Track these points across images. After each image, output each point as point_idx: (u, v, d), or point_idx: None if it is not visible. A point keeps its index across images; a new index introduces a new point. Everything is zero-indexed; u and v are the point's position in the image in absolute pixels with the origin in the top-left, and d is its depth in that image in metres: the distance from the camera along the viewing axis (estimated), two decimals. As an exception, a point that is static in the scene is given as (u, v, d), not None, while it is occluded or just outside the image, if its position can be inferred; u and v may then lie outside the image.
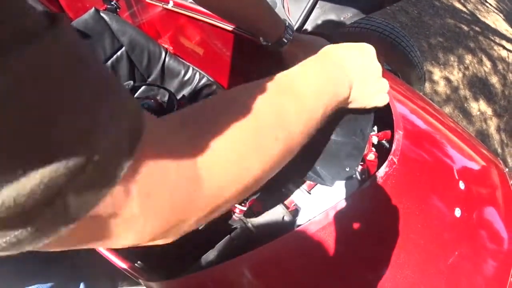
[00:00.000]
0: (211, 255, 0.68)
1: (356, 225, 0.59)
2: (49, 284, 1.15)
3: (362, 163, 0.71)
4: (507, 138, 2.54)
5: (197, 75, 1.17)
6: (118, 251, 0.80)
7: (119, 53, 1.09)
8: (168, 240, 0.36)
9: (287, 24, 0.85)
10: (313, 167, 0.61)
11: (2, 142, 0.19)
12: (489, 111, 2.63)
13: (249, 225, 0.64)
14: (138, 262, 0.79)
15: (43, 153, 0.21)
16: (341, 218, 0.57)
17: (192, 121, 0.37)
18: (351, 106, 0.59)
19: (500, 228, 0.79)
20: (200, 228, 0.82)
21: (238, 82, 1.24)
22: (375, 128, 0.78)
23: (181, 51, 1.41)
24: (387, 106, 0.73)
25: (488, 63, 2.90)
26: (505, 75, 2.89)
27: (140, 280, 0.72)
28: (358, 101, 0.60)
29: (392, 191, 0.63)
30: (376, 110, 0.72)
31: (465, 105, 2.58)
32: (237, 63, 1.25)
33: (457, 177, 0.76)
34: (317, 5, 1.25)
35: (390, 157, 0.63)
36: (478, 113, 2.57)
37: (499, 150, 2.47)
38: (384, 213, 0.62)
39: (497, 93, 2.75)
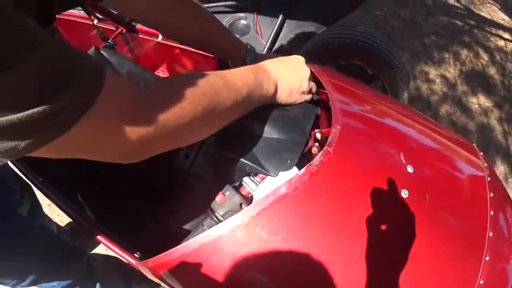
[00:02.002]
0: (189, 238, 0.83)
1: (291, 208, 0.71)
2: (68, 281, 1.29)
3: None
4: (509, 128, 2.58)
5: None
6: (120, 243, 0.94)
7: (118, 84, 1.25)
8: (136, 158, 0.59)
9: (248, 47, 1.02)
10: (258, 161, 0.76)
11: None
12: (488, 103, 2.67)
13: (216, 213, 0.79)
14: (137, 252, 0.94)
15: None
16: (279, 202, 0.71)
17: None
18: (282, 101, 0.84)
19: (454, 209, 0.84)
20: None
21: None
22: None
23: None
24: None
25: (485, 56, 2.94)
26: (503, 65, 2.92)
27: (136, 264, 0.86)
28: (286, 98, 0.84)
29: (327, 177, 0.73)
30: (318, 111, 0.88)
31: (464, 100, 2.63)
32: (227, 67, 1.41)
33: (404, 161, 0.84)
34: (285, 24, 1.42)
35: (325, 147, 0.76)
36: (477, 106, 2.61)
37: (502, 141, 2.50)
38: (318, 197, 0.72)
39: (496, 84, 2.78)
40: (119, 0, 0.85)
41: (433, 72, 2.70)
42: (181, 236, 0.91)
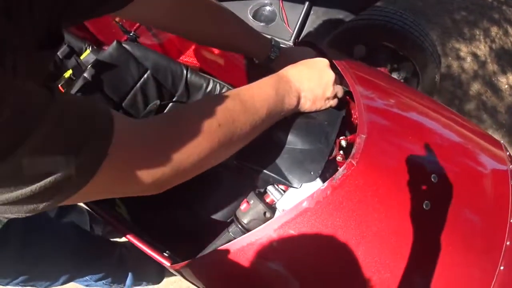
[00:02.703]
0: (214, 244, 0.86)
1: (312, 223, 0.73)
2: (100, 274, 1.32)
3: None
4: (539, 109, 2.49)
5: (218, 86, 1.30)
6: (150, 244, 0.97)
7: (145, 76, 1.25)
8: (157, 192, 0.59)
9: (273, 42, 0.99)
10: (281, 173, 0.77)
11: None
12: (518, 83, 2.57)
13: (240, 221, 0.81)
14: (167, 251, 0.97)
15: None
16: (301, 216, 0.72)
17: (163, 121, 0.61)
18: (306, 109, 0.82)
19: (474, 219, 0.84)
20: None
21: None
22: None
23: (205, 63, 1.56)
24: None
25: (514, 33, 2.81)
26: (532, 44, 2.77)
27: (167, 266, 0.90)
28: (310, 106, 0.81)
29: (350, 191, 0.73)
30: (344, 117, 0.87)
31: (493, 79, 2.54)
32: (251, 69, 1.41)
33: (428, 170, 0.83)
34: (312, 11, 1.39)
35: (348, 160, 0.75)
36: (507, 86, 2.53)
37: (533, 123, 2.43)
38: (340, 211, 0.73)
39: (524, 64, 2.66)
40: (129, 11, 0.80)
41: (464, 49, 2.61)
42: (210, 226, 0.94)
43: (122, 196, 0.58)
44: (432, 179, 0.82)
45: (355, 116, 0.94)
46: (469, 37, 2.68)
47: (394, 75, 1.88)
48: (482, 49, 2.65)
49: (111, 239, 1.67)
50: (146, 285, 1.66)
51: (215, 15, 0.91)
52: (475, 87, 2.48)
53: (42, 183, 0.41)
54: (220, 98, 0.65)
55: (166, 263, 0.88)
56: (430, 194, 0.80)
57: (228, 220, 0.91)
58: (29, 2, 0.53)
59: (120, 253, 1.43)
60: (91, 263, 1.29)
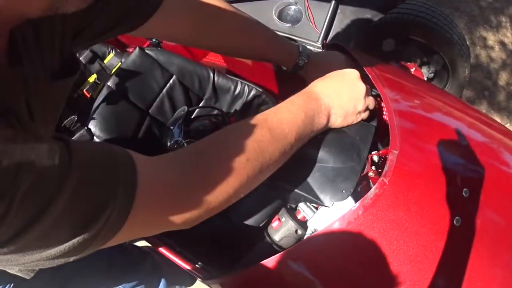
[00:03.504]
0: (250, 257, 0.86)
1: (346, 245, 0.73)
2: (133, 283, 1.32)
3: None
4: None
5: (246, 88, 1.27)
6: (182, 255, 0.98)
7: (171, 81, 1.23)
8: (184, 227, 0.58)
9: (300, 49, 0.95)
10: (312, 192, 0.76)
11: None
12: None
13: (272, 238, 0.80)
14: (199, 263, 0.98)
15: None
16: (332, 237, 0.72)
17: (184, 160, 0.58)
18: (337, 126, 0.79)
19: (503, 235, 0.81)
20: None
21: (286, 87, 1.35)
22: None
23: (232, 64, 1.53)
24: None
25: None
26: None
27: (199, 280, 0.91)
28: (341, 122, 0.79)
29: (382, 211, 0.72)
30: (376, 132, 0.85)
31: (522, 69, 2.45)
32: (279, 69, 1.38)
33: (460, 185, 0.81)
34: (339, 11, 1.35)
35: (381, 178, 0.74)
36: (535, 77, 2.44)
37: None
38: (371, 231, 0.72)
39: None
40: (147, 31, 0.77)
41: (491, 38, 2.52)
42: (243, 232, 0.94)
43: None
44: (464, 194, 0.80)
45: (386, 118, 0.91)
46: (496, 25, 2.59)
47: (424, 69, 1.84)
48: (509, 36, 2.56)
49: (143, 246, 1.68)
50: None
51: (240, 24, 0.89)
52: (504, 77, 2.40)
53: (70, 243, 0.42)
54: (247, 128, 0.62)
55: (199, 276, 0.88)
56: (461, 209, 0.78)
57: (261, 225, 0.90)
58: (36, 37, 0.51)
59: (153, 261, 1.43)
60: (125, 273, 1.28)
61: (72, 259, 0.45)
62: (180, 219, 0.54)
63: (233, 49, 0.93)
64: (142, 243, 1.70)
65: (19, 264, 0.42)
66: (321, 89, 0.77)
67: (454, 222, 0.76)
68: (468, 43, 1.79)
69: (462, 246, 0.77)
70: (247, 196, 1.10)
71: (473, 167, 0.87)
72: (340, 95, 0.77)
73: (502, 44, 2.52)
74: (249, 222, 1.02)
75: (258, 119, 0.65)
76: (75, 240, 0.42)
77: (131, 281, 1.31)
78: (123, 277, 1.28)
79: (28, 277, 0.51)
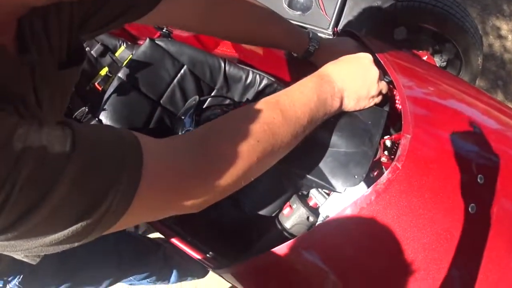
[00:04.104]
0: (261, 245, 0.84)
1: (358, 231, 0.71)
2: (144, 274, 1.31)
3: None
4: None
5: (257, 78, 1.26)
6: (193, 244, 0.97)
7: (182, 71, 1.22)
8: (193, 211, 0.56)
9: (310, 35, 0.93)
10: (324, 177, 0.74)
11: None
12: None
13: (283, 225, 0.79)
14: (210, 253, 0.97)
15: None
16: (344, 223, 0.70)
17: (198, 139, 0.57)
18: (349, 109, 0.77)
19: None
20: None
21: (297, 76, 1.33)
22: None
23: (243, 54, 1.50)
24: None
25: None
26: None
27: (210, 270, 0.89)
28: (354, 106, 0.77)
29: (395, 196, 0.70)
30: (388, 118, 0.82)
31: (536, 59, 2.38)
32: (290, 58, 1.35)
33: (475, 171, 0.79)
34: (348, -3, 1.33)
35: (393, 163, 0.72)
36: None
37: None
38: (384, 217, 0.70)
39: None
40: (155, 19, 0.76)
41: (504, 27, 2.46)
42: (256, 222, 0.94)
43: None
44: (479, 180, 0.78)
45: (398, 106, 0.89)
46: (509, 14, 2.52)
47: (437, 58, 1.80)
48: (522, 26, 2.50)
49: (155, 238, 1.67)
50: (191, 280, 1.66)
51: (250, 13, 0.88)
52: (519, 66, 2.35)
53: (73, 228, 0.41)
54: (257, 110, 0.60)
55: (209, 265, 0.87)
56: (476, 196, 0.76)
57: (273, 214, 0.88)
58: (44, 26, 0.52)
59: (164, 252, 1.42)
60: (135, 265, 1.28)
61: (76, 244, 0.44)
62: (187, 202, 0.53)
63: (243, 35, 0.92)
64: (154, 235, 1.71)
65: (24, 249, 0.41)
66: (334, 72, 0.74)
67: (469, 209, 0.74)
68: (481, 33, 1.74)
69: (478, 234, 0.75)
70: (259, 185, 1.09)
71: (488, 154, 0.85)
72: (354, 79, 0.75)
73: (516, 33, 2.46)
74: (262, 212, 1.01)
75: (269, 101, 0.64)
76: (78, 225, 0.41)
77: (141, 273, 1.31)
78: (133, 269, 1.28)
79: (34, 262, 0.50)
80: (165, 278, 1.44)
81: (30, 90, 0.51)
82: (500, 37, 2.44)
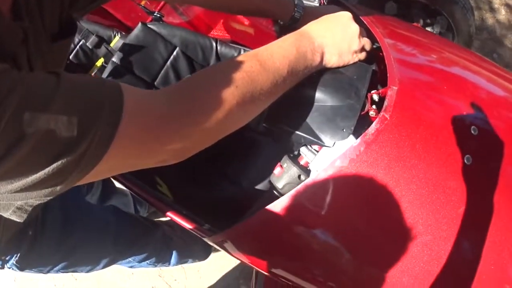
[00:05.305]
0: (253, 210, 0.82)
1: (347, 183, 0.68)
2: (143, 255, 1.28)
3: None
4: None
5: None
6: (188, 217, 0.95)
7: (174, 53, 1.21)
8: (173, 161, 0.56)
9: (296, 2, 0.93)
10: (312, 132, 0.72)
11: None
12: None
13: (275, 186, 0.77)
14: (206, 225, 0.94)
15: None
16: (335, 176, 0.67)
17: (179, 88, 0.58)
18: (333, 65, 0.75)
19: None
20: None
21: None
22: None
23: (235, 35, 1.49)
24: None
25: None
26: None
27: (205, 239, 0.87)
28: (336, 61, 0.75)
29: (384, 146, 0.68)
30: (375, 71, 0.80)
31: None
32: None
33: (467, 123, 0.76)
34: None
35: (381, 113, 0.69)
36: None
37: None
38: (375, 168, 0.68)
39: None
40: None
41: (497, 1, 2.43)
42: (252, 197, 0.92)
43: (141, 168, 0.55)
44: (472, 131, 0.75)
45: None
46: (502, -13, 2.48)
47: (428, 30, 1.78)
48: (515, -2, 2.45)
49: (155, 219, 1.65)
50: (192, 262, 1.64)
51: None
52: (511, 39, 2.31)
53: (54, 165, 0.40)
54: (235, 61, 0.61)
55: (203, 235, 0.85)
56: (471, 147, 0.74)
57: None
58: (37, 1, 0.54)
59: (163, 233, 1.39)
60: (133, 245, 1.24)
61: (59, 188, 0.44)
62: (166, 146, 0.52)
63: (228, 3, 0.91)
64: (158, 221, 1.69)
65: (4, 192, 0.41)
66: (313, 29, 0.74)
67: (465, 160, 0.72)
68: (472, 6, 1.70)
69: (475, 186, 0.72)
70: (257, 160, 1.07)
71: (480, 107, 0.82)
72: (333, 34, 0.74)
73: (508, 6, 2.40)
74: (259, 186, 0.99)
75: (247, 54, 0.64)
76: (59, 162, 0.40)
77: (140, 253, 1.28)
78: (131, 249, 1.25)
79: (21, 220, 0.49)
80: (165, 260, 1.41)
81: (24, 59, 0.52)
82: (492, 10, 2.39)
